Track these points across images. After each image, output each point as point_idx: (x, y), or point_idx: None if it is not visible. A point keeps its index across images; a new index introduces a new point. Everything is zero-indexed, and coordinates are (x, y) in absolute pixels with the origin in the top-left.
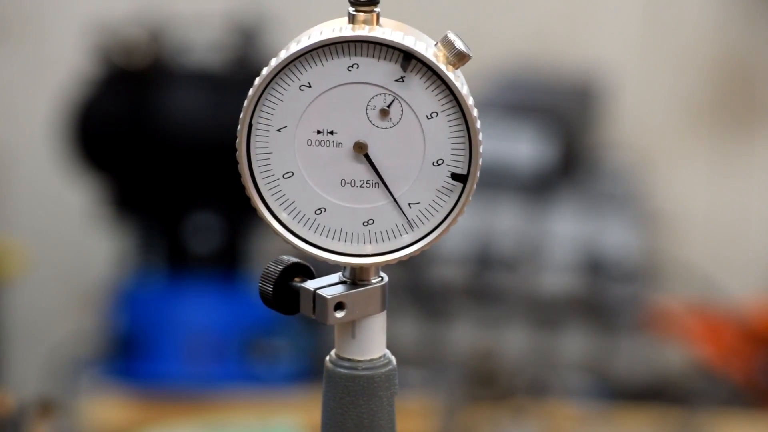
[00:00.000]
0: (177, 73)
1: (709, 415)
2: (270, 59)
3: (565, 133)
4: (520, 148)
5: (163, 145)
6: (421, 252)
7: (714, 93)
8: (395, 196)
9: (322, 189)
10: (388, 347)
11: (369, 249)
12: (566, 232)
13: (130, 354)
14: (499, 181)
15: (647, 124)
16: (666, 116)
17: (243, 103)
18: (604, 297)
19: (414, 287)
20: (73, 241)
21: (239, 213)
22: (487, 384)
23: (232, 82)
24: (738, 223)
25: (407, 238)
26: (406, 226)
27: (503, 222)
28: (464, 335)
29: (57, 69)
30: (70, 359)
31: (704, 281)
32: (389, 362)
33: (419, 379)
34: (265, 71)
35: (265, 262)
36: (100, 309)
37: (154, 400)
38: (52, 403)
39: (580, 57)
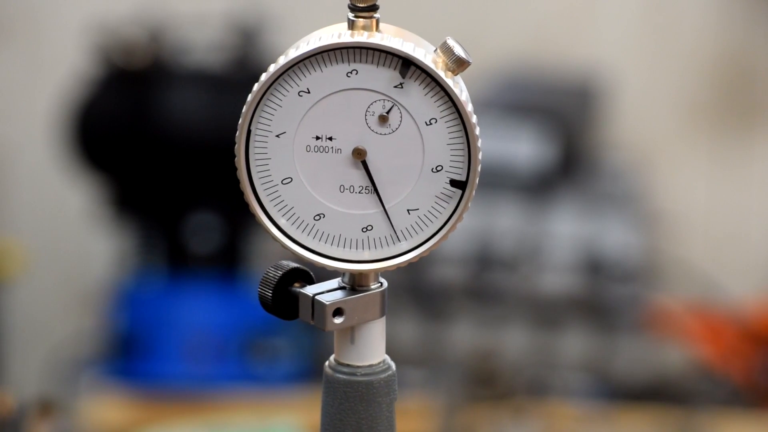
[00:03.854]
0: (177, 73)
1: (709, 415)
2: (270, 61)
3: (565, 133)
4: (520, 148)
5: (163, 145)
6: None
7: (714, 93)
8: (395, 202)
9: (321, 195)
10: (387, 347)
11: (366, 255)
12: (566, 232)
13: (130, 354)
14: (499, 181)
15: (647, 124)
16: (666, 116)
17: (243, 103)
18: (604, 297)
19: (414, 287)
20: (73, 241)
21: (239, 213)
22: (487, 384)
23: (232, 82)
24: (738, 223)
25: (404, 245)
26: (405, 232)
27: (503, 222)
28: (464, 335)
29: (57, 69)
30: (70, 359)
31: (704, 281)
32: (388, 368)
33: (419, 379)
34: (263, 77)
35: (265, 262)
36: (100, 309)
37: (154, 400)
38: (52, 403)
39: (580, 57)
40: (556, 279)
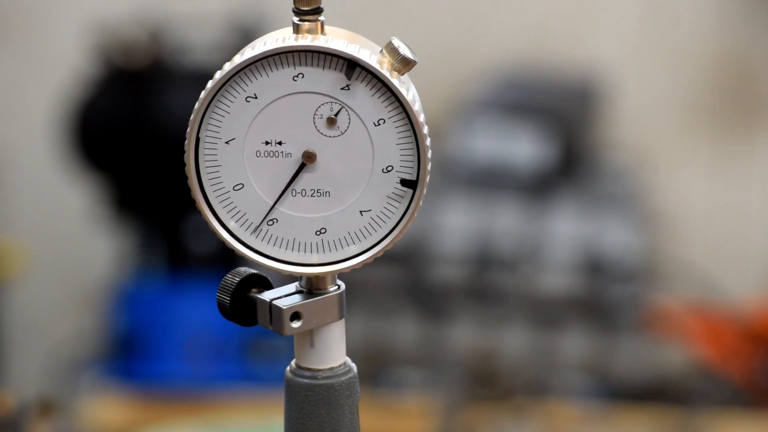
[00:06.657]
0: (177, 73)
1: (709, 415)
2: None
3: (565, 133)
4: (520, 148)
5: (164, 145)
6: (423, 256)
7: (714, 93)
8: (347, 204)
9: (273, 200)
10: (388, 347)
11: (316, 258)
12: (566, 232)
13: (130, 354)
14: (499, 181)
15: (647, 124)
16: (666, 116)
17: None
18: (604, 297)
19: (414, 287)
20: (73, 241)
21: None
22: (487, 384)
23: None
24: (738, 223)
25: (358, 247)
26: (358, 233)
27: (503, 222)
28: (464, 335)
29: (57, 69)
30: (70, 359)
31: (704, 281)
32: (350, 370)
33: (419, 379)
34: (210, 84)
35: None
36: (100, 309)
37: (154, 400)
38: (52, 403)
39: (580, 57)
40: (556, 279)
